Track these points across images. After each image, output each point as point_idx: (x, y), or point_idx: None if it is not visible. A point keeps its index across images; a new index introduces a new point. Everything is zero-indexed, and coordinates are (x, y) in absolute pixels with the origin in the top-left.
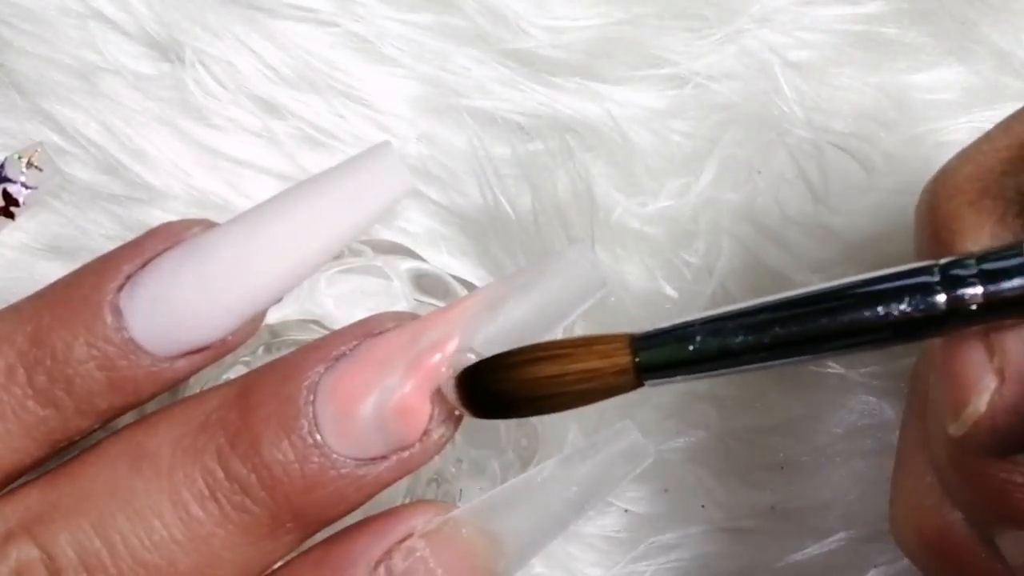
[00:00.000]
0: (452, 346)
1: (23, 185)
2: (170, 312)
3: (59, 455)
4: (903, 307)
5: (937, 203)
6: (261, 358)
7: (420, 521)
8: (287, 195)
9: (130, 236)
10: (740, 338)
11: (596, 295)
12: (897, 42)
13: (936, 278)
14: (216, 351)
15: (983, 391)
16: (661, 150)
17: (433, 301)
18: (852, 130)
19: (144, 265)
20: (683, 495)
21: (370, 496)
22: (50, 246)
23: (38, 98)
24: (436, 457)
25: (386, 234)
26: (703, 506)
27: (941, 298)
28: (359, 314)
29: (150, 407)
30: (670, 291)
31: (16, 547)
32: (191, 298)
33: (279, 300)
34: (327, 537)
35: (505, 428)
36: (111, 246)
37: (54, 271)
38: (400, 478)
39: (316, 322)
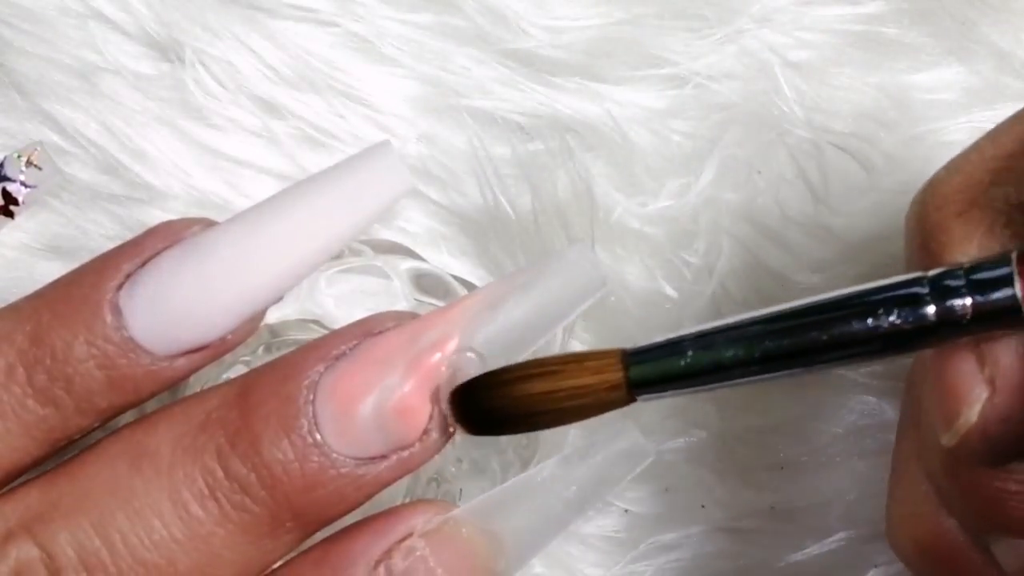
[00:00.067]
0: (452, 345)
1: (22, 184)
2: (170, 311)
3: (59, 454)
4: (893, 319)
5: (926, 214)
6: (261, 358)
7: (420, 520)
8: (286, 194)
9: (130, 236)
10: (731, 352)
11: (596, 295)
12: (897, 42)
13: (926, 290)
14: (215, 350)
15: (975, 401)
16: (661, 150)
17: (433, 301)
18: (852, 130)
19: (144, 264)
20: (683, 495)
21: (370, 496)
22: (50, 246)
23: (38, 98)
24: (436, 457)
25: (386, 234)
26: (703, 506)
27: (931, 309)
28: (359, 314)
29: (150, 406)
30: (670, 291)
31: (16, 546)
32: (191, 297)
33: (279, 299)
34: (327, 536)
35: None
36: (111, 246)
37: (54, 271)
38: (400, 478)
39: (316, 322)
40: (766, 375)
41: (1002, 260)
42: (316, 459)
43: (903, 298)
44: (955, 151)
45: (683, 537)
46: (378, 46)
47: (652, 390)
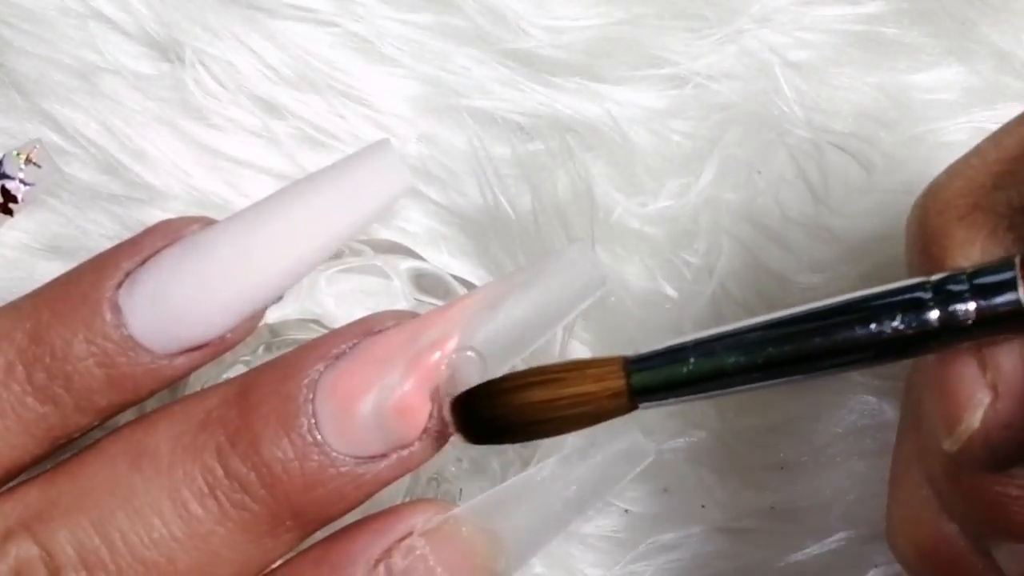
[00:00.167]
0: (452, 344)
1: (21, 182)
2: (169, 309)
3: (58, 453)
4: (896, 324)
5: (927, 218)
6: (261, 357)
7: (420, 519)
8: (286, 193)
9: (129, 236)
10: (733, 359)
11: (596, 294)
12: (897, 42)
13: (929, 294)
14: (215, 348)
15: (977, 406)
16: (661, 150)
17: (433, 301)
18: (852, 130)
19: (143, 262)
20: (683, 495)
21: (369, 495)
22: (50, 246)
23: (38, 98)
24: (436, 456)
25: (386, 233)
26: (703, 506)
27: (934, 314)
28: (359, 313)
29: (149, 405)
30: (670, 291)
31: (15, 545)
32: (190, 295)
33: (278, 298)
34: (327, 536)
35: None
36: (111, 246)
37: (54, 271)
38: (400, 477)
39: (316, 321)
40: (769, 382)
41: (1005, 264)
42: (316, 458)
43: (906, 303)
44: (955, 151)
45: (683, 537)
46: (378, 46)
47: (654, 397)
